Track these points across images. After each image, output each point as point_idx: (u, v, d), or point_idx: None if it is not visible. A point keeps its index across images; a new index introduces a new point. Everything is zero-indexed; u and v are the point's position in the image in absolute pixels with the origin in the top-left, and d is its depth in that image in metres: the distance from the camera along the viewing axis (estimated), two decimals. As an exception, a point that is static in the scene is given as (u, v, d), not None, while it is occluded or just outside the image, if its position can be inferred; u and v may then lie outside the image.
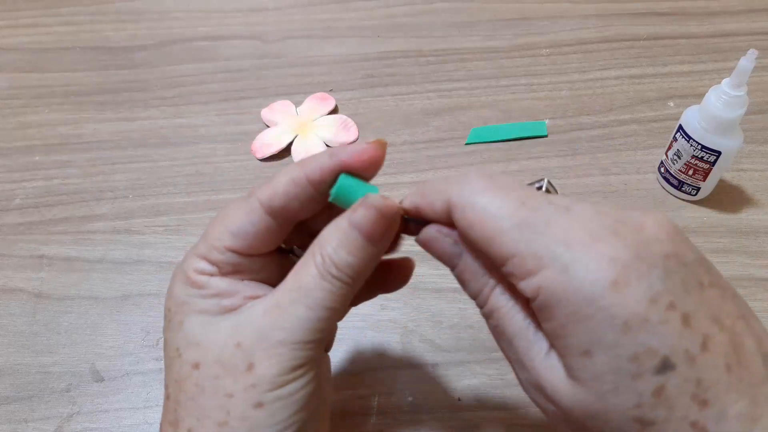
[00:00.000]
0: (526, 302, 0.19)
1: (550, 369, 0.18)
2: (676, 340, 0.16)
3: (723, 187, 0.39)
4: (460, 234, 0.19)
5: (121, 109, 0.46)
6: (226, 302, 0.22)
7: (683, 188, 0.38)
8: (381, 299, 0.35)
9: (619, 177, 0.40)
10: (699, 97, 0.44)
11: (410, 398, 0.32)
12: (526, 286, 0.17)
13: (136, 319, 0.36)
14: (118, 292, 0.37)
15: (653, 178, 0.40)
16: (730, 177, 0.40)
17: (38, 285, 0.37)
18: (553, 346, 0.18)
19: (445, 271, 0.37)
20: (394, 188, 0.40)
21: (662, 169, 0.39)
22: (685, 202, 0.39)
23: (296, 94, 0.46)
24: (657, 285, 0.16)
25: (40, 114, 0.45)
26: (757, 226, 0.38)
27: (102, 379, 0.34)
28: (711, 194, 0.39)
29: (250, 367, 0.20)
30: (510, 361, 0.20)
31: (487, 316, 0.20)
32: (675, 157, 0.37)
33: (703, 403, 0.16)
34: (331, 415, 0.32)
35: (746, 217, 0.38)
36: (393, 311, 0.35)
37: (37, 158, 0.43)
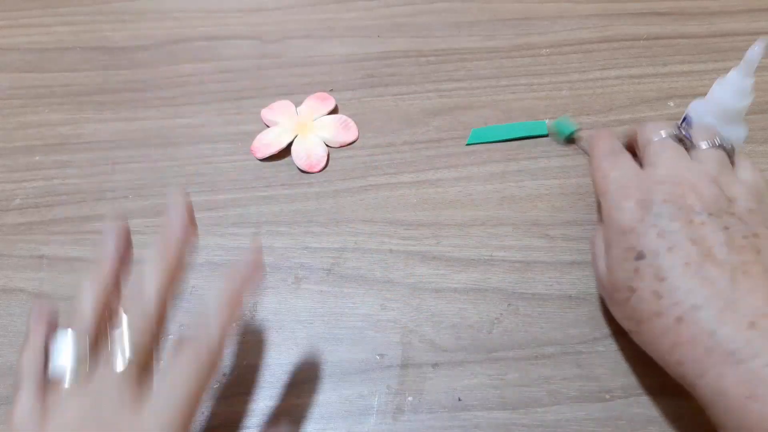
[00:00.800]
0: None
1: (603, 265, 0.30)
2: (648, 243, 0.27)
3: (723, 187, 0.39)
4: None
5: (121, 109, 0.46)
6: None
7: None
8: (381, 299, 0.35)
9: (619, 177, 0.40)
10: (699, 96, 0.44)
11: (410, 398, 0.32)
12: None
13: (136, 319, 0.36)
14: (118, 292, 0.37)
15: (653, 178, 0.40)
16: (730, 177, 0.40)
17: (38, 285, 0.37)
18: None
19: (445, 271, 0.37)
20: (395, 188, 0.40)
21: None
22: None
23: (296, 94, 0.46)
24: (650, 209, 0.27)
25: (40, 114, 0.45)
26: (757, 226, 0.38)
27: (102, 379, 0.34)
28: (711, 194, 0.39)
29: None
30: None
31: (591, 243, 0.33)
32: None
33: (661, 279, 0.26)
34: (331, 415, 0.32)
35: (746, 217, 0.38)
36: (393, 311, 0.35)
37: (37, 158, 0.43)
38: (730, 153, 0.31)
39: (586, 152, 0.35)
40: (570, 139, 0.40)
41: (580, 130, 0.39)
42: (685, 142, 0.31)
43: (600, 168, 0.31)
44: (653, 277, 0.26)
